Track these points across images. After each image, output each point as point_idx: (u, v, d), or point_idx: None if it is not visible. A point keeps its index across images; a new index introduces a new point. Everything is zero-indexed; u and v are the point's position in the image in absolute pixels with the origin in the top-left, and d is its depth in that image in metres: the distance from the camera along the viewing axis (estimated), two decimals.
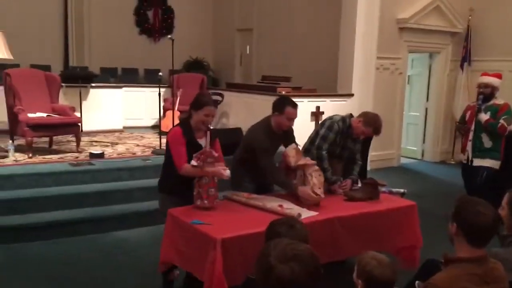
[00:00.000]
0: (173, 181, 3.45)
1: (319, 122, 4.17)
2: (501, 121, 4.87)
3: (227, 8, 11.79)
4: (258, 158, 3.66)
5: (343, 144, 4.11)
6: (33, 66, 8.67)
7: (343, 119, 4.07)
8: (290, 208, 3.39)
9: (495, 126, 4.88)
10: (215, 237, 2.82)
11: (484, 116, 4.93)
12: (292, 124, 3.78)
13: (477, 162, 5.05)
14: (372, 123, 3.98)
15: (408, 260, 3.73)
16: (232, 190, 3.90)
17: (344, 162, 4.22)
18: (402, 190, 4.03)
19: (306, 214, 3.29)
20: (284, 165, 3.77)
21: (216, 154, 3.41)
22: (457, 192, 7.13)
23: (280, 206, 3.39)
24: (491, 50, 8.58)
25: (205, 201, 3.36)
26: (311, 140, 4.14)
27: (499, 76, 5.07)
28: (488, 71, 8.51)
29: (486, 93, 4.98)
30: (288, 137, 3.91)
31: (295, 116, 3.73)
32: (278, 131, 3.80)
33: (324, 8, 9.04)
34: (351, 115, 4.15)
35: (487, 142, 4.99)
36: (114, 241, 4.67)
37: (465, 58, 8.87)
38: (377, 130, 4.00)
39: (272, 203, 3.46)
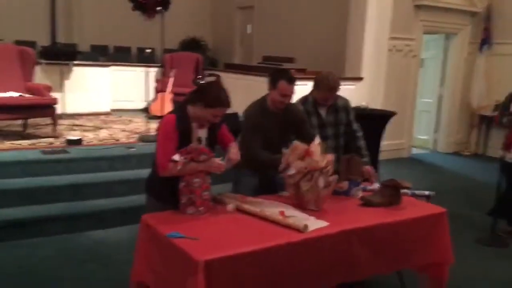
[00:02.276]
0: (165, 183, 2.73)
1: None
2: None
3: None
4: (242, 134, 3.23)
5: (321, 124, 3.61)
6: (18, 42, 8.04)
7: (304, 99, 3.61)
8: (293, 216, 2.71)
9: None
10: (197, 259, 2.15)
11: None
12: (287, 101, 3.25)
13: None
14: (319, 81, 3.49)
15: (434, 278, 3.10)
16: (232, 188, 3.42)
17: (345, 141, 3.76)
18: (427, 193, 3.34)
19: (314, 225, 2.61)
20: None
21: (212, 154, 2.74)
22: (476, 187, 6.57)
23: (281, 213, 2.72)
24: None
25: (200, 209, 2.70)
26: None
27: None
28: (511, 55, 7.91)
29: None
30: (298, 127, 3.38)
31: (290, 92, 3.23)
32: (275, 109, 3.29)
33: None
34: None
35: None
36: (88, 243, 4.02)
37: (486, 41, 8.17)
38: (328, 86, 3.46)
39: (272, 208, 2.78)
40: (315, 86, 3.53)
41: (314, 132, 3.51)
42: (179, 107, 2.79)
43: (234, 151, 2.86)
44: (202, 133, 2.81)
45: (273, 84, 3.22)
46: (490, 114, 8.08)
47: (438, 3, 7.72)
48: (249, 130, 3.28)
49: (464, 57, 8.44)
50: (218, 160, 2.75)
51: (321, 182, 2.85)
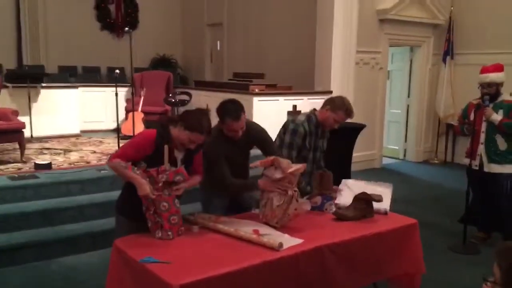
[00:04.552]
0: (136, 202, 2.72)
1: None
2: None
3: (196, 1, 11.11)
4: (206, 163, 3.10)
5: (315, 146, 3.60)
6: None
7: (308, 118, 3.55)
8: (268, 234, 2.73)
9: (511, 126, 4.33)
10: (171, 283, 2.14)
11: (498, 117, 4.37)
12: (238, 135, 3.15)
13: (496, 168, 4.47)
14: (341, 104, 3.48)
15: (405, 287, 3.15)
16: (202, 208, 3.36)
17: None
18: (383, 208, 3.33)
19: (289, 242, 2.63)
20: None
21: (186, 178, 2.76)
22: (446, 195, 6.71)
23: (256, 231, 2.73)
24: (475, 43, 8.13)
25: (169, 233, 2.68)
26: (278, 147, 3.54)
27: (500, 68, 4.48)
28: (473, 65, 8.14)
29: (492, 93, 4.43)
30: (262, 148, 3.35)
31: (238, 128, 3.11)
32: (232, 138, 3.21)
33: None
34: (314, 110, 3.63)
35: (502, 144, 4.43)
36: (60, 270, 3.92)
37: (448, 52, 8.40)
38: (349, 110, 3.49)
39: (246, 227, 2.79)
40: (332, 108, 3.47)
41: (308, 155, 3.52)
42: (161, 126, 2.81)
43: (182, 187, 2.78)
44: (179, 154, 2.82)
45: (221, 120, 3.14)
46: (456, 123, 8.28)
47: (402, 17, 7.93)
48: (214, 162, 3.14)
49: (428, 68, 8.69)
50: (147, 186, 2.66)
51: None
